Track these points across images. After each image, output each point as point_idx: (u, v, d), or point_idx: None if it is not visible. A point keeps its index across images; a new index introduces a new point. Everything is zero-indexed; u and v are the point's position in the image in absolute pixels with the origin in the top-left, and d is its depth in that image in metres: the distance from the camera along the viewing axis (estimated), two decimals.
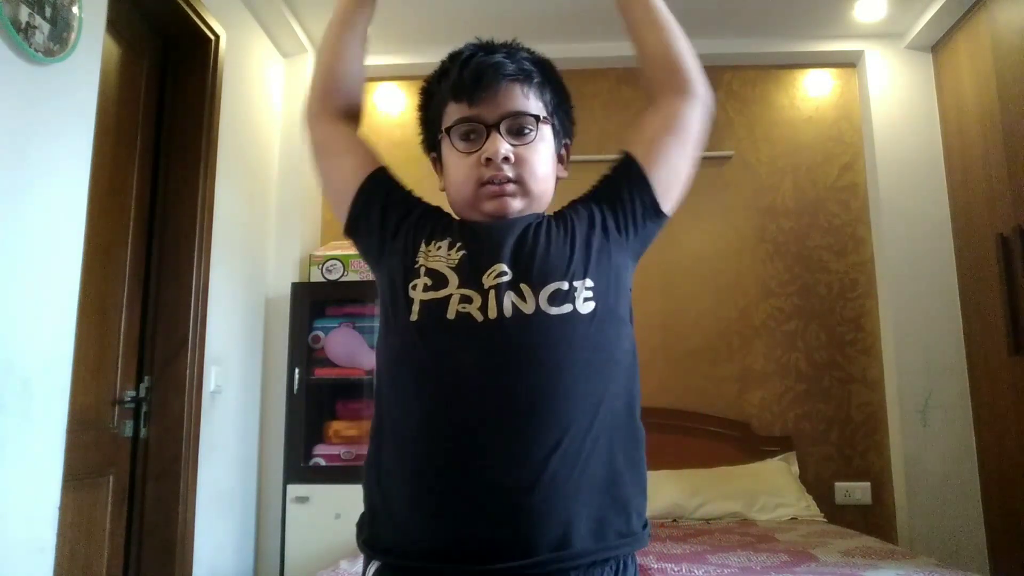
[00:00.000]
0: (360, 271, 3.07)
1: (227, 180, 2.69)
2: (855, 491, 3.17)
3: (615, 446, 0.93)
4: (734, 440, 3.20)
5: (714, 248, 3.42)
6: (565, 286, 0.94)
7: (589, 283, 0.95)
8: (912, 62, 3.36)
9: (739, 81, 3.54)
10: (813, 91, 3.54)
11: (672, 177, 1.05)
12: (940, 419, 3.09)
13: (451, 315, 0.92)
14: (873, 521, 3.12)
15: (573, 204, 1.06)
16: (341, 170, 1.09)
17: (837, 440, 3.23)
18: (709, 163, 3.46)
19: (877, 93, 3.36)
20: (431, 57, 1.15)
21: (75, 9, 1.76)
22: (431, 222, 1.03)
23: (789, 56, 3.49)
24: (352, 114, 1.14)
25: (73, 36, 1.75)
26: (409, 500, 0.91)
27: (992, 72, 2.87)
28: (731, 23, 3.30)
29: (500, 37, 1.08)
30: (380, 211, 1.05)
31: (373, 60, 3.46)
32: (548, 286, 0.93)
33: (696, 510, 2.84)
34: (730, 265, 3.40)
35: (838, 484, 3.18)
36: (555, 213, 1.04)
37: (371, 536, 0.96)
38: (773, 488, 2.92)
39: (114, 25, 2.12)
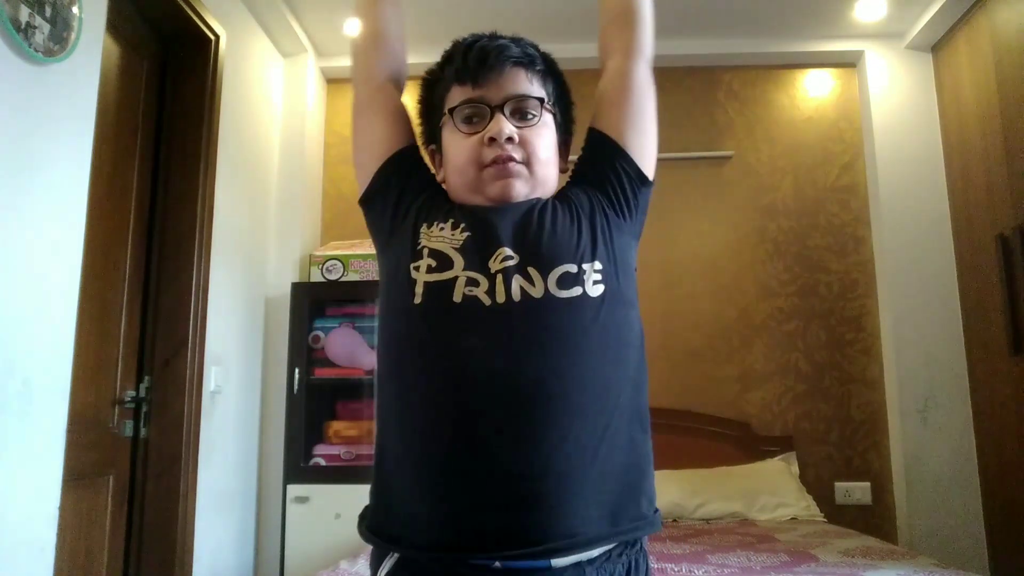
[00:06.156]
0: (360, 271, 3.06)
1: (227, 180, 2.69)
2: (855, 491, 3.17)
3: (626, 431, 0.91)
4: (734, 440, 3.20)
5: (714, 248, 3.42)
6: (574, 269, 0.91)
7: (598, 265, 0.93)
8: (912, 62, 3.36)
9: (739, 81, 3.54)
10: (813, 91, 3.54)
11: (644, 139, 1.05)
12: (940, 419, 3.08)
13: (457, 298, 0.90)
14: (873, 521, 3.12)
15: (571, 187, 1.05)
16: (373, 133, 1.08)
17: (837, 440, 3.23)
18: (709, 163, 3.46)
19: (877, 93, 3.36)
20: (426, 57, 1.15)
21: (75, 9, 1.76)
22: (435, 203, 1.02)
23: (789, 56, 3.49)
24: (396, 77, 1.12)
25: (73, 36, 1.75)
26: (416, 489, 0.89)
27: (992, 72, 2.87)
28: (731, 23, 3.29)
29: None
30: (398, 192, 1.03)
31: None
32: (556, 269, 0.91)
33: (696, 510, 2.83)
34: (730, 265, 3.40)
35: (838, 484, 3.18)
36: (558, 195, 1.03)
37: (376, 524, 0.93)
38: (773, 488, 2.92)
39: (114, 25, 2.12)
